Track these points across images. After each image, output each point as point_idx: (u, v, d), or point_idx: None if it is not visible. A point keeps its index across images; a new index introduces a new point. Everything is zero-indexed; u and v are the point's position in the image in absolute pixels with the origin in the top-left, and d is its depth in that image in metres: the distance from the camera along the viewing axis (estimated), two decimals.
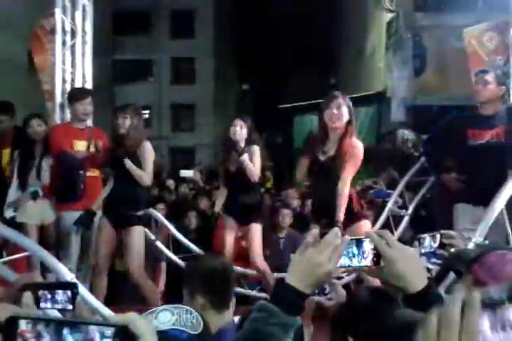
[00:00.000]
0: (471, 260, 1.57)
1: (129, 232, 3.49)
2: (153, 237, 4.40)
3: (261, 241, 3.88)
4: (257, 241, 3.83)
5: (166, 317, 1.18)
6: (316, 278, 1.04)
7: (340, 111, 3.19)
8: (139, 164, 3.50)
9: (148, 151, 3.56)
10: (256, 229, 3.82)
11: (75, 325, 0.72)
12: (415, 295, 1.07)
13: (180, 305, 1.24)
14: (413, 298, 1.08)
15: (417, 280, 1.08)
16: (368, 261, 1.10)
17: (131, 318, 0.72)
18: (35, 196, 3.84)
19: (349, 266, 1.12)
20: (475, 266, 1.54)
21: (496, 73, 3.40)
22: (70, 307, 1.38)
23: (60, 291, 1.39)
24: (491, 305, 0.62)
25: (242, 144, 3.80)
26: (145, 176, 3.50)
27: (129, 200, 3.50)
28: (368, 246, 1.10)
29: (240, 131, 3.79)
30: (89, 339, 0.70)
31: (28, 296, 1.14)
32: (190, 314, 1.20)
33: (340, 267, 1.11)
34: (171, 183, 7.93)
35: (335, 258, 1.05)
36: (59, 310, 1.43)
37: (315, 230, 1.13)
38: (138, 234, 3.53)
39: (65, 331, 0.72)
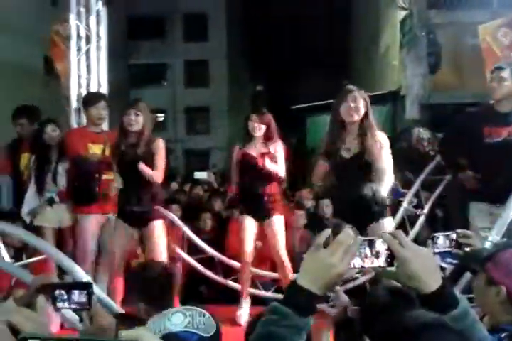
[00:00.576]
0: (485, 258, 1.55)
1: (151, 229, 3.46)
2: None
3: (284, 232, 3.83)
4: (281, 232, 3.78)
5: (178, 319, 1.19)
6: (329, 279, 1.03)
7: (357, 104, 3.14)
8: (151, 161, 3.45)
9: (161, 148, 3.51)
10: (279, 221, 3.78)
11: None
12: (430, 295, 1.06)
13: (194, 307, 1.24)
14: (428, 298, 1.07)
15: (432, 281, 1.07)
16: (380, 262, 1.09)
17: (141, 334, 0.73)
18: (51, 202, 3.89)
19: (362, 266, 1.11)
20: (488, 264, 1.52)
21: None
22: (87, 307, 1.40)
23: (76, 291, 1.41)
24: None
25: (261, 140, 3.77)
26: (156, 174, 3.46)
27: (147, 196, 3.47)
28: (380, 246, 1.09)
29: (260, 126, 3.75)
30: None
31: (41, 299, 1.16)
32: (204, 316, 1.20)
33: (353, 268, 1.10)
34: (174, 185, 7.96)
35: (347, 259, 1.04)
36: (75, 310, 1.44)
37: (327, 230, 1.13)
38: (159, 229, 3.50)
39: None
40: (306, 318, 1.01)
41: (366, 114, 3.18)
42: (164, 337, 1.16)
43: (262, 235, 3.96)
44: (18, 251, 3.77)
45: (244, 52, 25.86)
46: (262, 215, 3.78)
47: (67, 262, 2.60)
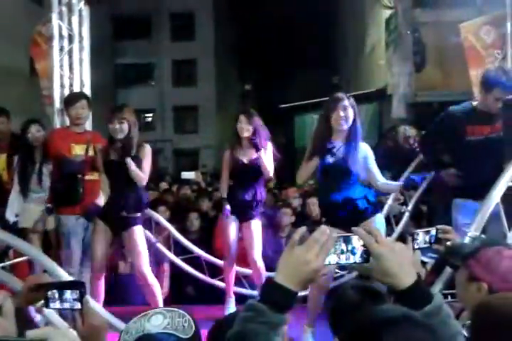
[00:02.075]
0: (467, 255, 1.57)
1: (131, 233, 3.47)
2: (154, 239, 4.41)
3: (260, 237, 3.89)
4: (257, 237, 3.85)
5: (158, 320, 1.19)
6: (304, 275, 1.04)
7: (347, 112, 3.23)
8: (138, 166, 3.46)
9: (148, 154, 3.54)
10: (256, 225, 3.85)
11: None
12: (404, 291, 1.07)
13: (174, 309, 1.24)
14: (401, 294, 1.08)
15: (406, 277, 1.08)
16: (356, 258, 1.10)
17: (49, 333, 0.73)
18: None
19: (337, 263, 1.12)
20: (471, 261, 1.54)
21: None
22: (79, 306, 1.39)
23: (68, 291, 1.40)
24: None
25: (249, 142, 3.83)
26: (143, 177, 3.48)
27: (132, 202, 3.47)
28: (356, 242, 1.10)
29: (247, 127, 3.81)
30: None
31: (8, 303, 1.14)
32: (183, 317, 1.21)
33: (329, 264, 1.11)
34: (163, 185, 7.98)
35: (322, 256, 1.05)
36: (67, 310, 1.43)
37: (302, 228, 1.13)
38: (140, 234, 3.52)
39: None
40: (282, 315, 1.02)
41: (354, 121, 3.28)
42: (141, 338, 1.16)
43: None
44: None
45: (231, 50, 25.85)
46: (245, 218, 3.85)
47: (49, 263, 2.58)
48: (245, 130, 3.80)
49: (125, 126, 3.44)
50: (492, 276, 1.48)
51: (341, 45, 21.49)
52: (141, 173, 3.45)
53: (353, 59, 17.63)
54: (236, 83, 26.92)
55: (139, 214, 3.53)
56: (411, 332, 0.90)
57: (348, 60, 19.20)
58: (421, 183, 4.66)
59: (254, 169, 3.82)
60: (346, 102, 3.24)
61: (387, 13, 11.63)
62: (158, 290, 3.53)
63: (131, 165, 3.41)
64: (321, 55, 23.95)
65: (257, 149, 3.78)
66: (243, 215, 3.85)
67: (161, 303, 3.47)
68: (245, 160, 3.84)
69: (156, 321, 1.19)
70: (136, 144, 3.48)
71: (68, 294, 1.39)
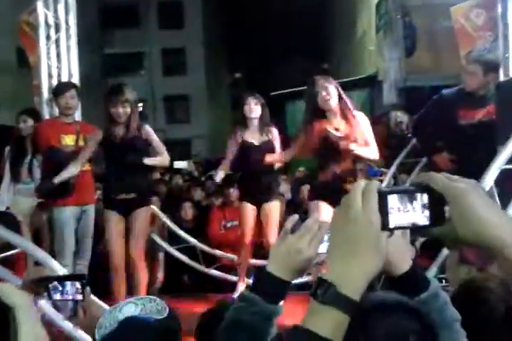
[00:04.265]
0: None
1: (140, 213, 3.42)
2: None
3: (277, 221, 3.86)
4: (275, 219, 3.83)
5: (129, 309, 1.22)
6: (296, 264, 1.02)
7: (328, 91, 3.23)
8: (147, 146, 3.47)
9: (152, 132, 3.55)
10: (274, 207, 3.84)
11: None
12: (399, 277, 1.06)
13: (144, 296, 1.27)
14: (397, 281, 1.06)
15: (402, 262, 1.06)
16: None
17: (3, 289, 0.69)
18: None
19: None
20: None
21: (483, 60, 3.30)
22: (80, 297, 1.41)
23: (69, 283, 1.42)
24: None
25: (257, 123, 3.84)
26: (164, 159, 3.50)
27: (139, 187, 3.45)
28: None
29: (256, 107, 3.82)
30: None
31: None
32: (154, 301, 1.25)
33: (321, 253, 1.09)
34: (156, 175, 7.95)
35: (315, 245, 1.03)
36: (69, 301, 1.46)
37: (295, 216, 1.12)
38: (147, 215, 3.50)
39: None
40: (274, 305, 1.01)
41: (340, 97, 3.27)
42: (123, 322, 1.17)
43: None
44: None
45: (220, 39, 25.60)
46: (262, 200, 3.84)
47: (42, 255, 2.56)
48: (254, 110, 3.81)
49: (128, 110, 3.42)
50: (482, 260, 1.48)
51: (331, 32, 21.36)
52: (160, 159, 3.48)
53: (343, 45, 17.55)
54: (226, 71, 26.73)
55: (149, 194, 3.55)
56: (399, 319, 0.88)
57: (338, 46, 19.10)
58: (377, 175, 4.66)
59: (264, 151, 3.79)
60: (323, 82, 3.25)
61: None
62: (143, 283, 3.47)
63: (150, 162, 3.43)
64: (310, 42, 23.80)
65: (265, 128, 3.80)
66: (258, 199, 3.83)
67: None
68: (255, 142, 3.84)
69: (128, 310, 1.22)
70: (138, 126, 3.47)
71: (70, 286, 1.42)
